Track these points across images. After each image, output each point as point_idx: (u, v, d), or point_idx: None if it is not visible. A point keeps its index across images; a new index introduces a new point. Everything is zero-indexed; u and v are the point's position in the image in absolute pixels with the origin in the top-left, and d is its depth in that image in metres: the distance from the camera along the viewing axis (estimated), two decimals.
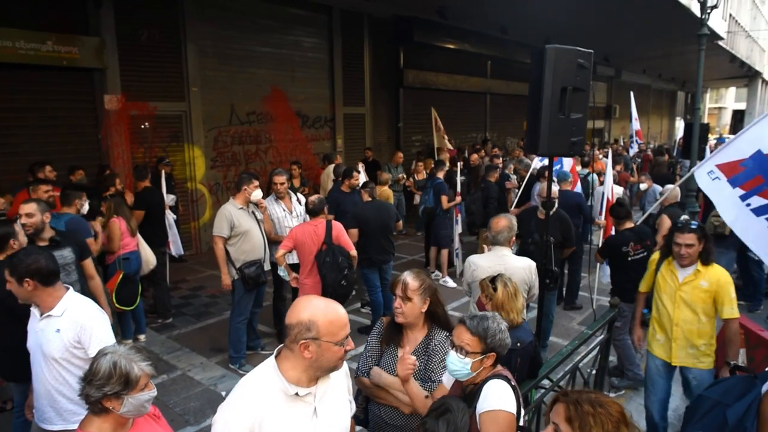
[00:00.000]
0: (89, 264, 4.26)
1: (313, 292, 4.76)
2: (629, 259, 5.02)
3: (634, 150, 14.99)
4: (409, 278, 2.68)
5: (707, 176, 4.51)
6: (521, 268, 3.83)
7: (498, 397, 2.16)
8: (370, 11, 12.51)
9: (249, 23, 10.28)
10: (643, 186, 9.66)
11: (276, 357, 1.91)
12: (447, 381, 2.47)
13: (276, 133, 11.03)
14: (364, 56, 12.84)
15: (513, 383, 2.25)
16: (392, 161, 11.27)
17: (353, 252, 5.06)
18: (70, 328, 2.77)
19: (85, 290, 4.06)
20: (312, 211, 5.19)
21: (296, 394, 1.84)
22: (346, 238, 5.06)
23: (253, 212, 5.33)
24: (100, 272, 5.14)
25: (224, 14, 9.88)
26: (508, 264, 3.81)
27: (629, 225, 5.26)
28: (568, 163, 7.74)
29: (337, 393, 2.03)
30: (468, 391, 2.30)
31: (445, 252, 8.19)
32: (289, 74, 11.18)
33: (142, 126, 8.95)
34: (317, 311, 1.83)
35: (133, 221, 5.82)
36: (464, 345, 2.24)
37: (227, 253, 5.17)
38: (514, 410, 2.15)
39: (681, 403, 4.77)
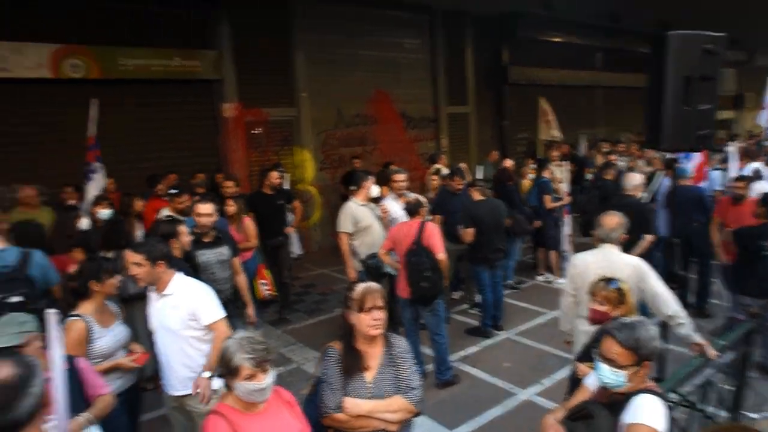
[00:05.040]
0: (237, 261, 4.75)
1: (403, 290, 4.93)
2: (763, 253, 4.79)
3: None
4: (375, 284, 2.56)
5: None
6: (630, 266, 3.52)
7: (652, 413, 2.10)
8: (472, 9, 12.35)
9: (353, 28, 10.55)
10: None
11: None
12: (591, 384, 2.43)
13: (381, 134, 11.23)
14: (467, 55, 12.70)
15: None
16: (488, 158, 11.06)
17: (440, 255, 4.92)
18: (184, 304, 3.19)
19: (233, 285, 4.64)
20: (408, 211, 5.24)
21: None
22: (436, 240, 4.92)
23: (372, 208, 5.62)
24: None
25: (329, 21, 10.21)
26: (615, 261, 3.56)
27: None
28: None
29: None
30: (614, 400, 2.23)
31: (553, 254, 7.90)
32: (392, 76, 11.33)
33: (257, 131, 9.49)
34: None
35: None
36: (615, 358, 2.17)
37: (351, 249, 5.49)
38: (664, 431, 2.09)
39: None
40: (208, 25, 8.84)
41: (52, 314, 2.50)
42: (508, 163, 8.32)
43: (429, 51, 11.98)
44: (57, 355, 2.34)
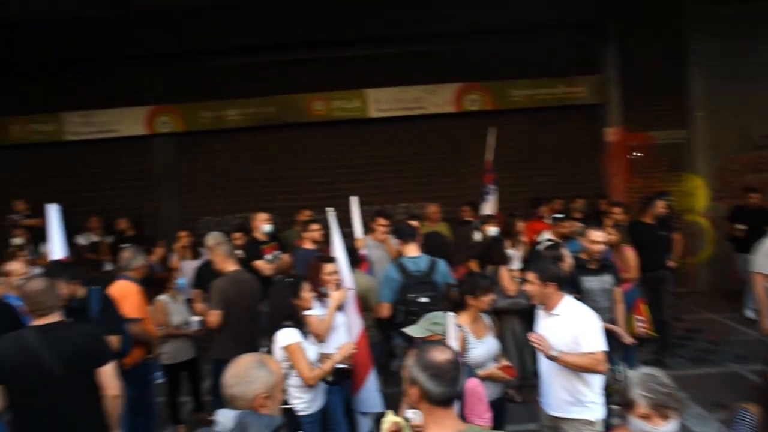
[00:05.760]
0: (619, 291, 4.71)
1: None
2: None
3: None
4: None
5: None
6: None
7: None
8: None
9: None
10: None
11: None
12: None
13: None
14: None
15: None
16: None
17: None
18: (570, 327, 3.20)
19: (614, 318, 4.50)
20: None
21: None
22: None
23: None
24: None
25: (736, 27, 8.80)
26: None
27: None
28: None
29: None
30: None
31: None
32: None
33: (639, 156, 8.98)
34: None
35: None
36: None
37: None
38: None
39: None
40: (592, 51, 8.93)
41: (451, 317, 2.84)
42: None
43: None
44: None
